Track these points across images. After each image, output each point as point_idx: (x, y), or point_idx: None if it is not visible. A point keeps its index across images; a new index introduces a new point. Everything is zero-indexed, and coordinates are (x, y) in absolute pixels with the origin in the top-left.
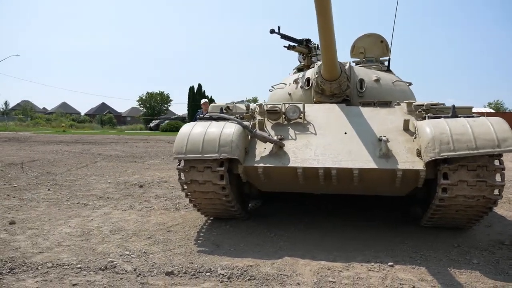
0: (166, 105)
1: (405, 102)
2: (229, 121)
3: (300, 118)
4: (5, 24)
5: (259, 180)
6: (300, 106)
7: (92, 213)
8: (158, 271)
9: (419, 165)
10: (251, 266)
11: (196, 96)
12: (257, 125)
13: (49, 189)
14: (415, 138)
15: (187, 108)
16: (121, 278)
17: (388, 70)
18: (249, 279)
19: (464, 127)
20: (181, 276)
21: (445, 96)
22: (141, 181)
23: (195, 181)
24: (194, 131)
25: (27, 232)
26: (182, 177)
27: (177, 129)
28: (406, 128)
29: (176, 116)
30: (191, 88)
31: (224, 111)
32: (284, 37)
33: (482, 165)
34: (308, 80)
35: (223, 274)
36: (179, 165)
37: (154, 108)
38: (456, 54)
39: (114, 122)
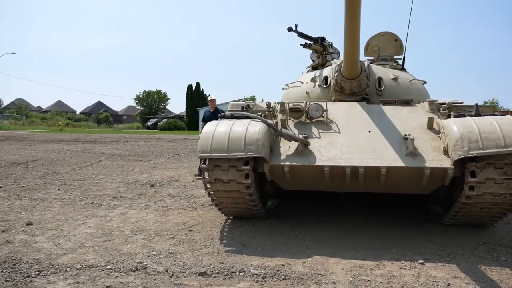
0: (163, 104)
1: (427, 101)
2: (253, 119)
3: (323, 116)
4: (1, 22)
5: (284, 179)
6: (323, 104)
7: (108, 213)
8: (190, 271)
9: (446, 163)
10: (283, 265)
11: (194, 94)
12: (279, 123)
13: (59, 189)
14: (440, 136)
15: (185, 107)
16: (155, 279)
17: (402, 68)
18: (283, 279)
19: (492, 125)
20: (214, 277)
21: (440, 95)
22: (151, 180)
23: (219, 180)
24: (218, 130)
25: (47, 233)
26: (206, 176)
27: (176, 128)
28: (430, 126)
29: (174, 115)
30: (189, 87)
31: (244, 109)
32: (301, 35)
33: (510, 163)
34: (326, 78)
35: (257, 274)
36: (203, 164)
37: (151, 106)
38: (451, 52)
39: (110, 121)
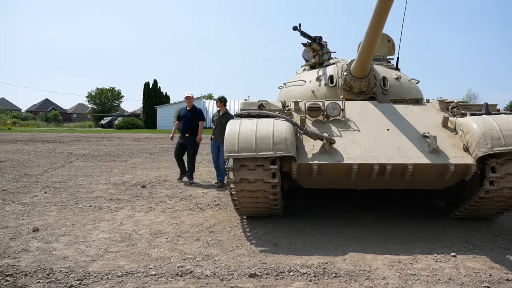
0: (117, 102)
1: (437, 100)
2: (276, 118)
3: (339, 115)
4: None
5: (309, 177)
6: (340, 103)
7: (114, 216)
8: (238, 273)
9: (469, 159)
10: (326, 263)
11: (151, 92)
12: (299, 122)
13: (45, 192)
14: (455, 134)
15: (142, 105)
16: (207, 283)
17: (396, 68)
18: (335, 277)
19: (510, 123)
20: (266, 278)
21: None
22: (139, 181)
23: (245, 180)
24: (243, 129)
25: (61, 239)
26: (231, 176)
27: (133, 127)
28: (445, 124)
29: (130, 113)
30: (146, 84)
31: (261, 108)
32: (303, 34)
33: None
34: (331, 77)
35: (306, 273)
36: (228, 163)
37: (104, 104)
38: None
39: (59, 119)
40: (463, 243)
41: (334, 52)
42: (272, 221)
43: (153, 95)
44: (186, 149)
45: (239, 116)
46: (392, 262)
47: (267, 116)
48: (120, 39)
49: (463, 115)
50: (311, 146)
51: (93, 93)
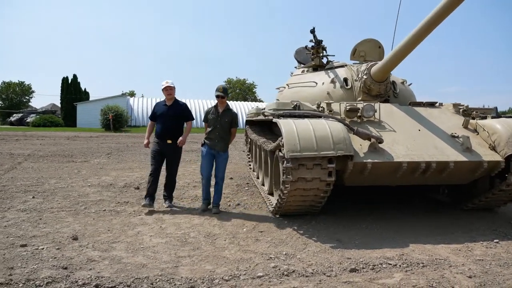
0: (27, 97)
1: (451, 103)
2: (325, 118)
3: (373, 116)
4: None
5: (359, 175)
6: (375, 105)
7: (142, 220)
8: (338, 269)
9: (498, 157)
10: (402, 255)
11: (70, 87)
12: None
13: (33, 197)
14: (477, 134)
15: (60, 101)
16: (320, 281)
17: None
18: (423, 266)
19: None
20: (366, 271)
21: None
22: (126, 182)
23: (302, 179)
24: (300, 128)
25: (116, 247)
26: (289, 175)
27: (52, 124)
28: (466, 126)
29: (45, 109)
30: (65, 79)
31: (297, 108)
32: (315, 37)
33: None
34: (345, 80)
35: (397, 265)
36: (286, 163)
37: (12, 100)
38: None
39: None
40: (493, 230)
41: (333, 55)
42: (311, 219)
43: (73, 91)
44: (164, 160)
45: (280, 116)
46: (453, 251)
47: (312, 116)
48: (31, 28)
49: (482, 117)
50: (359, 146)
51: None
